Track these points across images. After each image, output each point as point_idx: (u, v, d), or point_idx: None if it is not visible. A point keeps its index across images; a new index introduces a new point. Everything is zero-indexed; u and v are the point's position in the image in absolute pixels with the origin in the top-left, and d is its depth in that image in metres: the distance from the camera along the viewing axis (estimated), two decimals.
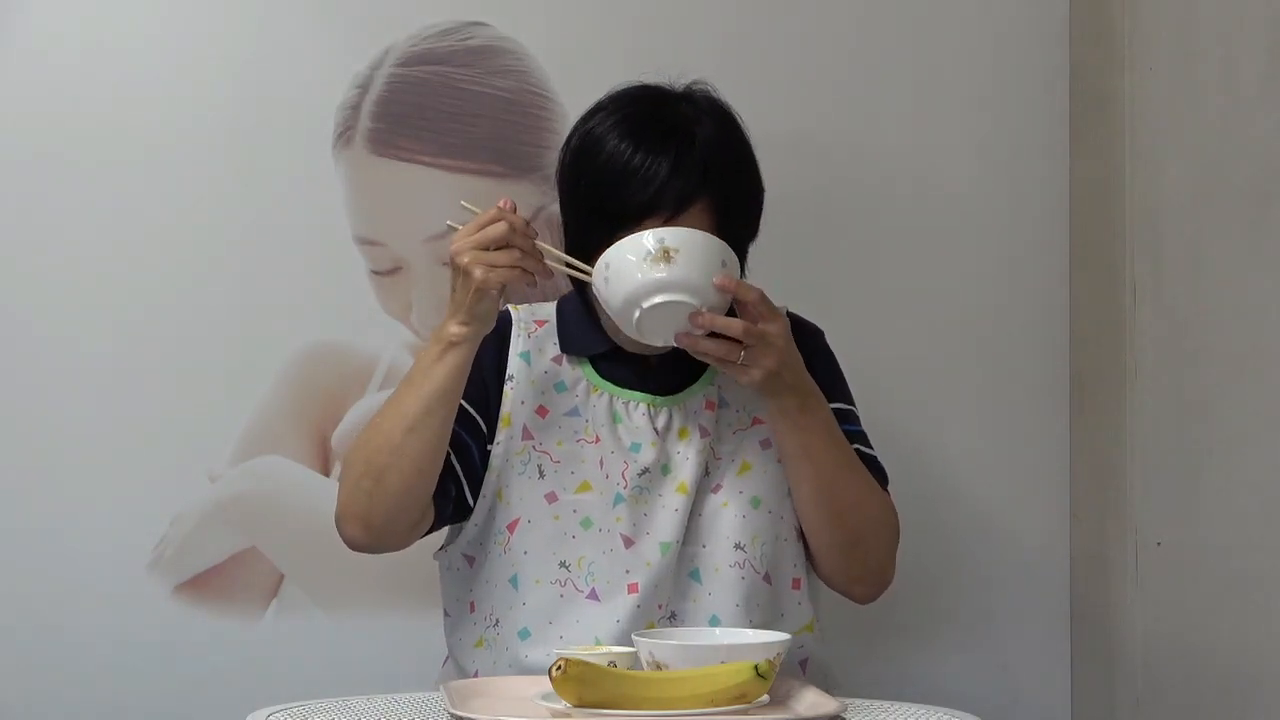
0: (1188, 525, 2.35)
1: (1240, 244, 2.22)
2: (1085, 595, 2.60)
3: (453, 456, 2.01)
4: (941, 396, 2.60)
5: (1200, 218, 2.33)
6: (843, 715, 1.73)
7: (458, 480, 2.04)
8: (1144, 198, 2.46)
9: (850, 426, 2.13)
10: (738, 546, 2.04)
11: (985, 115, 2.61)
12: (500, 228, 1.91)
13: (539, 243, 1.94)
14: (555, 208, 2.47)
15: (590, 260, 1.98)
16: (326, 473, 2.48)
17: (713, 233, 1.97)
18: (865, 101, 2.59)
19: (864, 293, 2.59)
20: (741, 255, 2.10)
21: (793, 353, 1.97)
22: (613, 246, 1.92)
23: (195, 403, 2.46)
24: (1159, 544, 2.42)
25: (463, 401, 2.02)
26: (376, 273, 2.50)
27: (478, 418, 2.06)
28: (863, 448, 2.12)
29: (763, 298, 1.94)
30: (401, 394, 1.98)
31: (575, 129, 2.07)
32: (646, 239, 1.89)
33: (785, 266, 2.51)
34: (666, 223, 1.96)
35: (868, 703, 1.85)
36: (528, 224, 1.93)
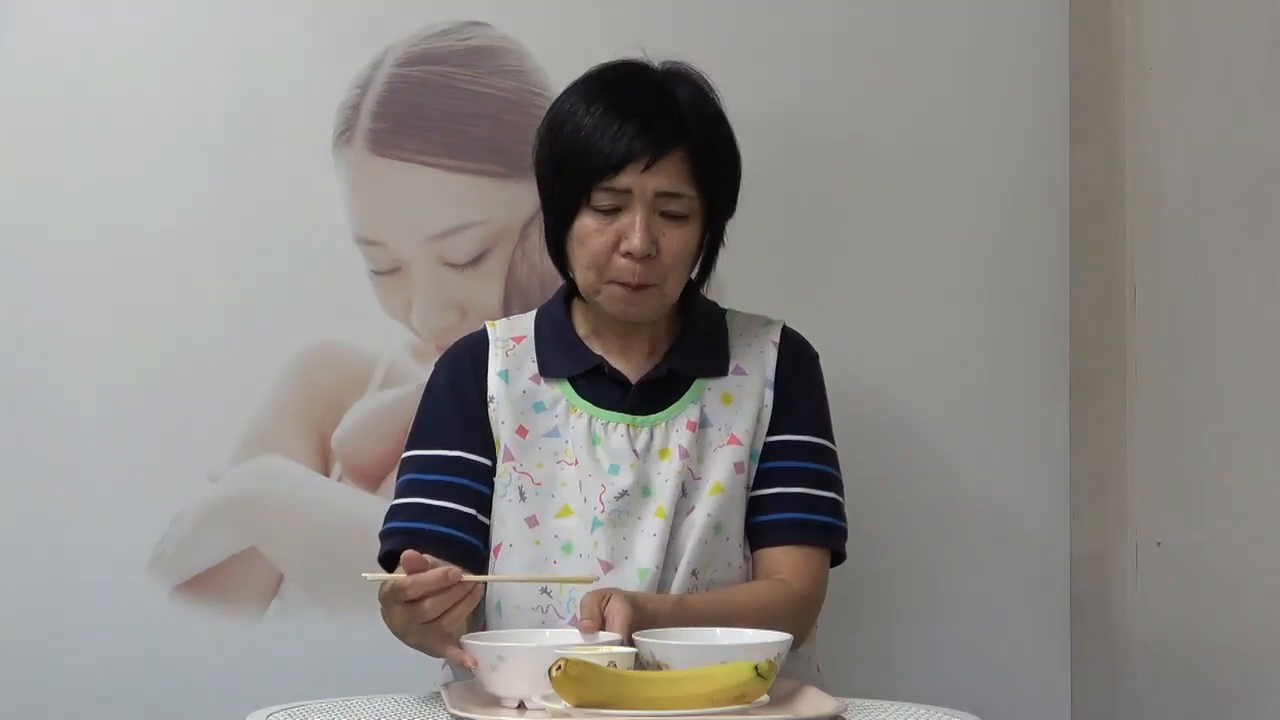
0: (1188, 525, 2.35)
1: (1240, 244, 2.22)
2: (1085, 595, 2.60)
3: (478, 516, 2.03)
4: (941, 396, 2.60)
5: (1200, 217, 2.32)
6: (843, 715, 1.73)
7: (487, 534, 2.05)
8: (1144, 198, 2.46)
9: (823, 466, 2.09)
10: (693, 573, 2.03)
11: (985, 115, 2.61)
12: (425, 615, 1.77)
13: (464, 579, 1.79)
14: None
15: (564, 230, 2.02)
16: (327, 473, 2.48)
17: (692, 185, 1.98)
18: (865, 102, 2.59)
19: (864, 293, 2.58)
20: (719, 233, 2.10)
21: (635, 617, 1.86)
22: (523, 648, 1.76)
23: (195, 403, 2.46)
24: (1159, 544, 2.42)
25: (474, 456, 2.04)
26: (376, 273, 2.50)
27: (486, 462, 2.06)
28: (828, 492, 2.08)
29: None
30: (399, 632, 1.90)
31: (550, 108, 2.08)
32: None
33: (784, 268, 2.52)
34: (646, 169, 1.97)
35: (868, 703, 1.85)
36: (458, 576, 1.77)
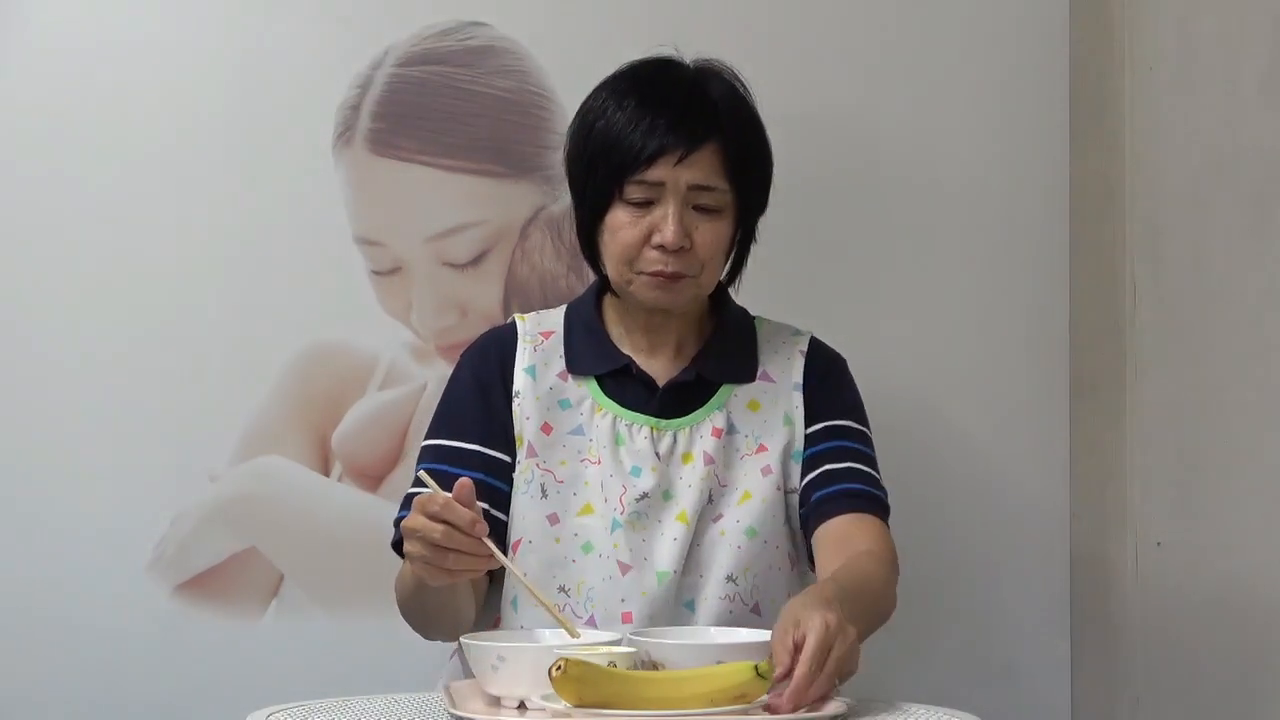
0: (1188, 525, 2.35)
1: (1240, 244, 2.22)
2: (1085, 595, 2.60)
3: (492, 511, 2.01)
4: (941, 397, 2.60)
5: (1200, 217, 2.33)
6: (843, 715, 1.73)
7: (500, 530, 2.04)
8: (1144, 198, 2.46)
9: (863, 447, 2.09)
10: (729, 579, 2.02)
11: (985, 115, 2.61)
12: (434, 532, 1.74)
13: (492, 546, 1.77)
14: (555, 208, 2.48)
15: (596, 224, 2.01)
16: (327, 473, 2.48)
17: (724, 179, 1.98)
18: (865, 102, 2.59)
19: (864, 294, 2.58)
20: (750, 231, 2.09)
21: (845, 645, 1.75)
22: (523, 648, 1.76)
23: (195, 403, 2.46)
24: (1159, 544, 2.42)
25: (493, 452, 2.04)
26: (376, 273, 2.50)
27: (506, 458, 2.05)
28: (870, 487, 2.07)
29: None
30: (412, 591, 1.94)
31: (581, 105, 2.07)
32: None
33: (785, 268, 2.51)
34: (678, 163, 1.96)
35: (868, 703, 1.85)
36: (474, 520, 1.75)
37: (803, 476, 2.07)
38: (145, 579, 2.45)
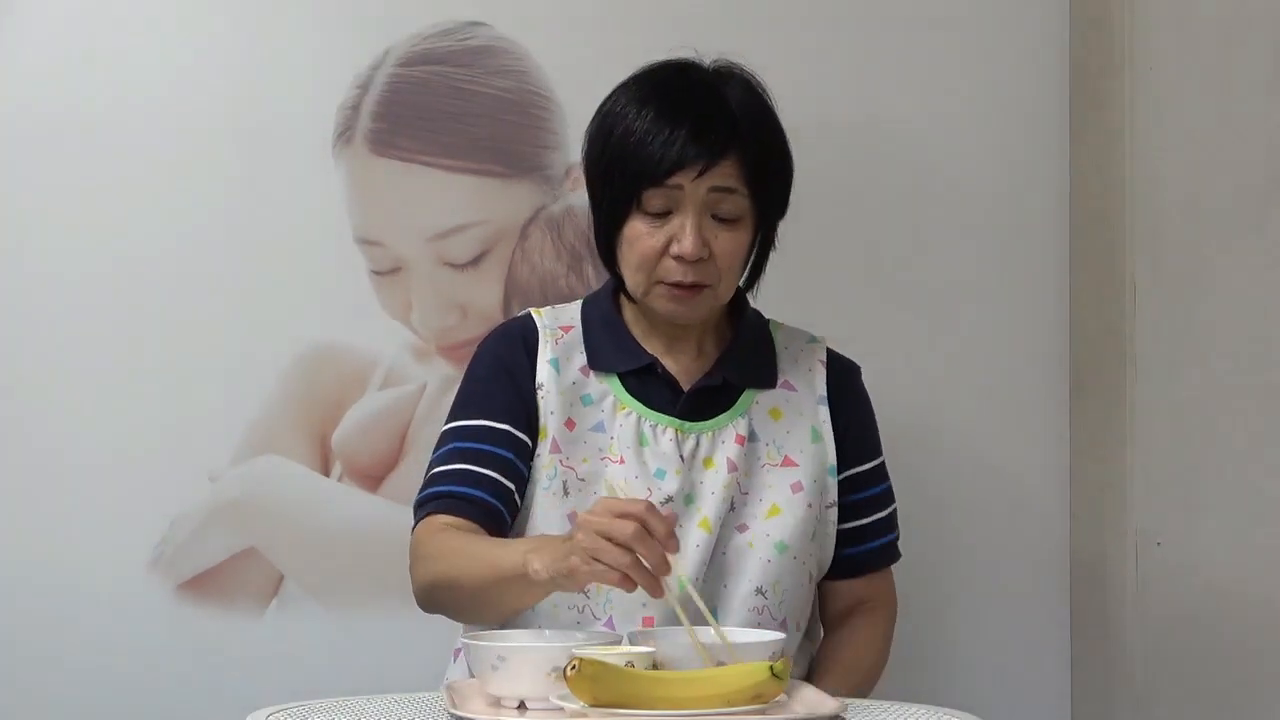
0: (1188, 525, 2.35)
1: (1240, 244, 2.22)
2: (1085, 595, 2.60)
3: (515, 493, 2.00)
4: (941, 396, 2.60)
5: (1200, 217, 2.33)
6: (843, 715, 1.73)
7: (519, 514, 2.02)
8: (1144, 197, 2.46)
9: (885, 484, 2.13)
10: (759, 591, 2.00)
11: (985, 115, 2.61)
12: (627, 529, 1.69)
13: (675, 566, 1.73)
14: (555, 208, 2.49)
15: (615, 233, 1.99)
16: (327, 473, 2.48)
17: (744, 188, 1.97)
18: (864, 102, 2.59)
19: (864, 293, 2.58)
20: (770, 236, 2.09)
21: None
22: (523, 648, 1.73)
23: (195, 403, 2.46)
24: (1159, 544, 2.42)
25: (515, 431, 2.01)
26: (376, 273, 2.50)
27: (528, 440, 2.03)
28: (891, 507, 2.13)
29: None
30: (482, 587, 1.88)
31: (599, 108, 2.05)
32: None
33: (785, 266, 2.51)
34: (698, 176, 1.95)
35: (868, 703, 1.85)
36: (671, 534, 1.72)
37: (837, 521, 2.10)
38: (146, 579, 2.45)
